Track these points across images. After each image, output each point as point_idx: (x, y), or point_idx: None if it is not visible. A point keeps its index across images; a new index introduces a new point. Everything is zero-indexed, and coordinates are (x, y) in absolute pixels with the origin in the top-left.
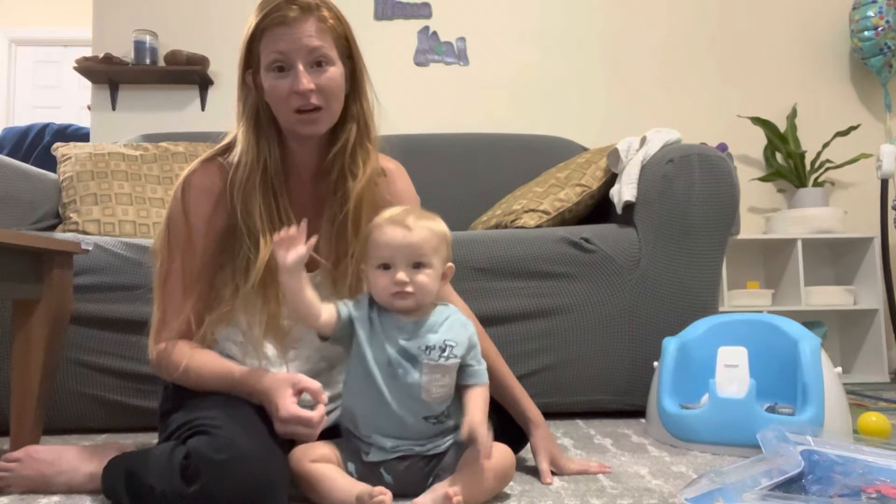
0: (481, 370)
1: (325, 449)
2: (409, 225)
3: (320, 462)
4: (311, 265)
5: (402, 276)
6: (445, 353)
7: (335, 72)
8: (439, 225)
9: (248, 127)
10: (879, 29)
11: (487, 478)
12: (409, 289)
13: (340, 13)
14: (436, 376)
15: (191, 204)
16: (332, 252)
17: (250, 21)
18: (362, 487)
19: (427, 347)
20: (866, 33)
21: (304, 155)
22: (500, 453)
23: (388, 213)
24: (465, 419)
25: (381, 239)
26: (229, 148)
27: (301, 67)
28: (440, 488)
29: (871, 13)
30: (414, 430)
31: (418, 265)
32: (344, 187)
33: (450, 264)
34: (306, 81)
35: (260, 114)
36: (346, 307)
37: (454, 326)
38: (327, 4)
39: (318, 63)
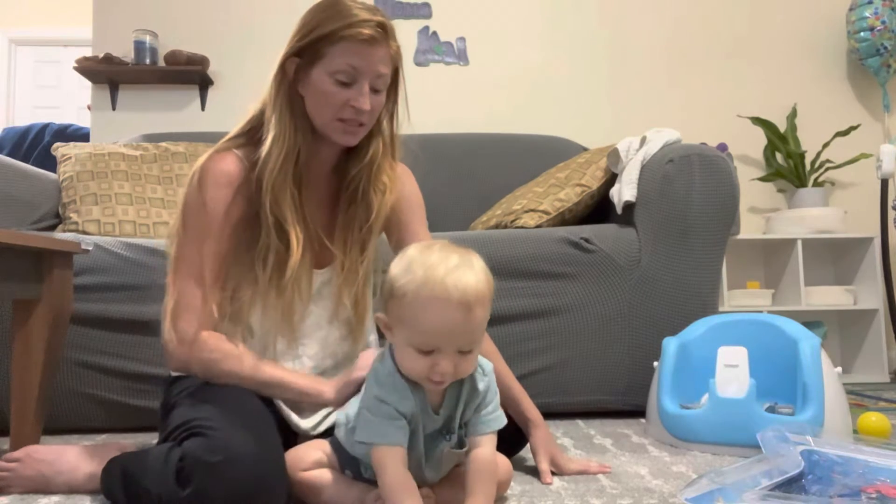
0: (491, 419)
1: (318, 453)
2: (468, 304)
3: (313, 469)
4: (321, 261)
5: (447, 367)
6: (462, 432)
7: (383, 98)
8: (488, 278)
9: (285, 115)
10: (876, 30)
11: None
12: (450, 379)
13: (399, 45)
14: (463, 450)
15: (209, 192)
16: (346, 257)
17: (324, 17)
18: (362, 488)
19: (448, 432)
20: (863, 34)
21: (327, 155)
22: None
23: (432, 271)
24: None
25: (429, 322)
26: (246, 138)
27: (367, 89)
28: (422, 489)
29: (867, 14)
30: (432, 482)
31: (466, 351)
32: (366, 202)
33: None
34: (368, 104)
35: (295, 104)
36: (403, 431)
37: (474, 395)
38: (394, 33)
39: (376, 88)
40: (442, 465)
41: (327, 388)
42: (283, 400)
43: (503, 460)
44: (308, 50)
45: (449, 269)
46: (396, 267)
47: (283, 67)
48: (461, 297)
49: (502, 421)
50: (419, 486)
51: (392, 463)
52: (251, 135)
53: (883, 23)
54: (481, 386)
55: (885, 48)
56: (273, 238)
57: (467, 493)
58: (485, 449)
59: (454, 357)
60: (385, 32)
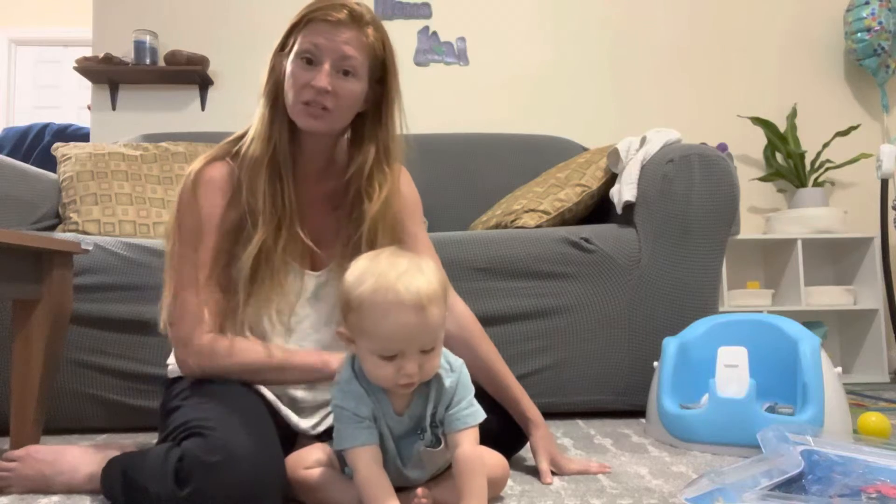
0: (465, 414)
1: (319, 453)
2: (421, 305)
3: (315, 468)
4: (317, 264)
5: (412, 368)
6: (439, 431)
7: (356, 86)
8: (440, 278)
9: (266, 107)
10: (873, 30)
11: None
12: (416, 380)
13: (388, 40)
14: (439, 449)
15: (201, 194)
16: (342, 260)
17: (303, 10)
18: None
19: (422, 430)
20: (860, 35)
21: (313, 149)
22: (493, 463)
23: (383, 279)
24: None
25: (388, 328)
26: (236, 146)
27: (327, 67)
28: (418, 489)
29: (864, 14)
30: (419, 481)
31: (428, 350)
32: (360, 209)
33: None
34: (326, 81)
35: (279, 96)
36: (369, 431)
37: (442, 392)
38: (377, 26)
39: (344, 71)
40: (424, 463)
41: (333, 359)
42: (289, 384)
43: (498, 458)
44: (287, 41)
45: (399, 273)
46: (349, 278)
47: (271, 63)
48: (414, 299)
49: (479, 416)
50: (412, 488)
51: (363, 462)
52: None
53: (880, 23)
54: (448, 382)
55: (883, 48)
56: (251, 227)
57: (458, 495)
58: (465, 447)
59: (418, 358)
60: (354, 18)
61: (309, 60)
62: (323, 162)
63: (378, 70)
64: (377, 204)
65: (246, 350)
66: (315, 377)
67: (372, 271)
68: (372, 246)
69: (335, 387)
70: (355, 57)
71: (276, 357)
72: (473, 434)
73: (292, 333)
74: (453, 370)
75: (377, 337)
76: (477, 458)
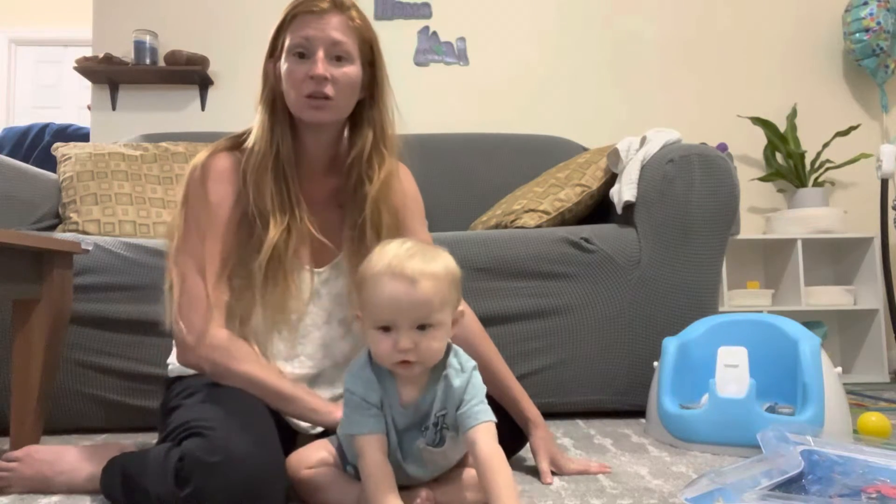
0: (476, 411)
1: (322, 452)
2: (412, 277)
3: (316, 467)
4: (320, 261)
5: (406, 342)
6: (438, 428)
7: (353, 70)
8: (447, 265)
9: (265, 113)
10: (871, 31)
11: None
12: (413, 357)
13: (369, 21)
14: (440, 449)
15: (210, 187)
16: (353, 255)
17: (285, 10)
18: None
19: (424, 427)
20: (858, 35)
21: (316, 146)
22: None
23: (384, 256)
24: None
25: (379, 297)
26: (239, 141)
27: (321, 55)
28: (422, 490)
29: (862, 15)
30: (420, 479)
31: (424, 326)
32: (361, 191)
33: (460, 308)
34: (323, 68)
35: (276, 102)
36: (377, 419)
37: (450, 392)
38: (358, 9)
39: (338, 57)
40: (424, 461)
41: (336, 409)
42: (288, 413)
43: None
44: (275, 45)
45: (400, 252)
46: (364, 260)
47: (264, 69)
48: (404, 271)
49: (490, 413)
50: (414, 486)
51: (369, 450)
52: (247, 138)
53: (878, 24)
54: (457, 382)
55: (881, 49)
56: (261, 230)
57: (487, 496)
58: (482, 444)
59: (413, 334)
60: (337, 4)
61: (302, 54)
62: (327, 159)
63: (367, 52)
64: (377, 184)
65: (261, 366)
66: (313, 419)
67: (380, 251)
68: (377, 230)
69: (348, 373)
70: (346, 41)
71: (285, 387)
72: (490, 430)
73: (295, 331)
74: (464, 371)
75: (371, 306)
76: (497, 453)
